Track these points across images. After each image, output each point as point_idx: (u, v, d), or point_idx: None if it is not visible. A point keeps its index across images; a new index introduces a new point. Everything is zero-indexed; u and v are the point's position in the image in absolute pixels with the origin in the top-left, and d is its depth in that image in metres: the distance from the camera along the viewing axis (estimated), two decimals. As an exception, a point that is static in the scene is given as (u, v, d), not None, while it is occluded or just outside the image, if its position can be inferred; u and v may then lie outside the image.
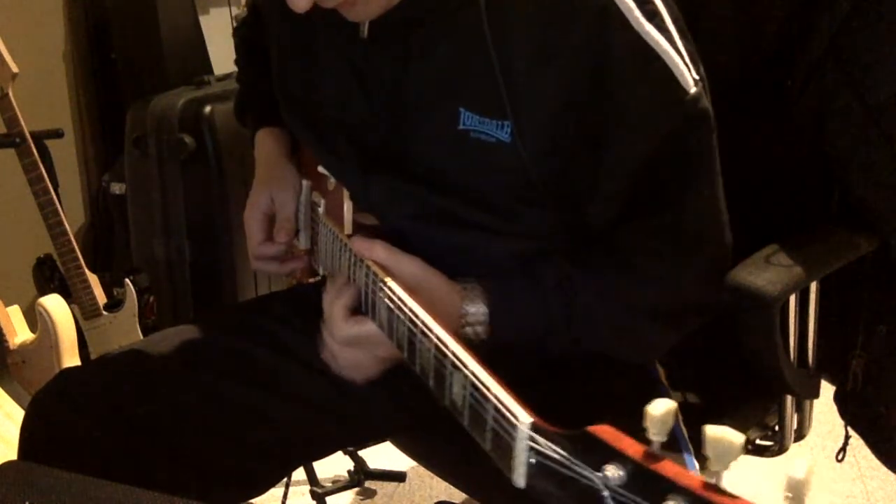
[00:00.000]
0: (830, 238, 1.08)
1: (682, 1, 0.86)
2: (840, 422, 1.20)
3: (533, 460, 0.58)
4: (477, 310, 0.87)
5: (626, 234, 0.89)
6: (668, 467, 0.48)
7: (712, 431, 0.47)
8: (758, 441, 1.20)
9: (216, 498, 0.99)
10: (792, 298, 1.07)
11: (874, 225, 1.07)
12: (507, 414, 0.61)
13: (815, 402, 1.20)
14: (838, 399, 1.19)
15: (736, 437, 0.47)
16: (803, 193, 1.15)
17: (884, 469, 1.18)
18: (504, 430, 0.61)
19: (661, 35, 0.81)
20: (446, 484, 1.18)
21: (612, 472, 0.50)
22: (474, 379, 0.67)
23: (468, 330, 0.87)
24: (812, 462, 0.45)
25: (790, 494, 0.44)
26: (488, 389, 0.64)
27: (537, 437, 0.58)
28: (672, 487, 0.47)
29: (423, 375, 0.77)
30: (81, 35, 2.47)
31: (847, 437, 1.20)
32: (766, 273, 0.94)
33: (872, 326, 1.12)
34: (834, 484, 1.90)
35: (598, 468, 0.51)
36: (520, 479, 0.59)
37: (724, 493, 0.46)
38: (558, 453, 0.55)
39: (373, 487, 1.99)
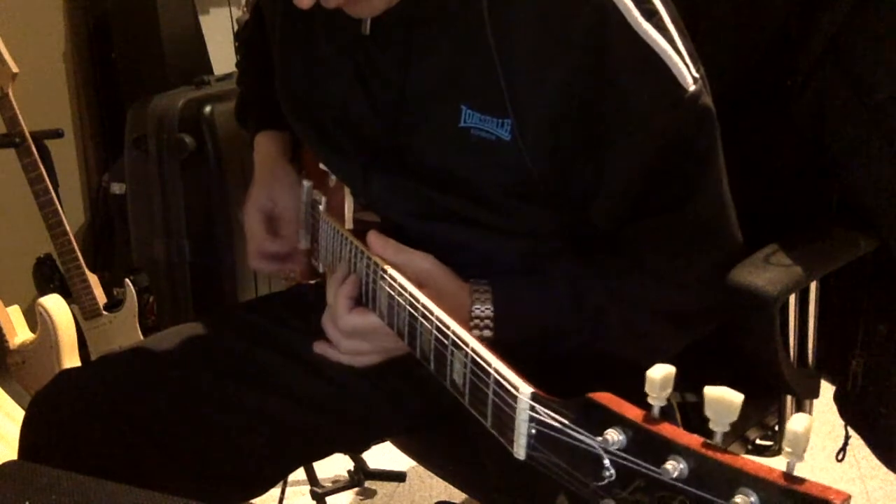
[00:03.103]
0: (830, 238, 1.08)
1: (681, 1, 0.86)
2: (840, 422, 1.20)
3: (534, 430, 0.58)
4: (483, 311, 0.87)
5: (634, 233, 0.89)
6: (667, 429, 0.49)
7: (711, 391, 0.48)
8: (758, 441, 1.20)
9: (216, 498, 0.99)
10: (792, 298, 1.07)
11: (874, 225, 1.07)
12: (508, 386, 0.62)
13: (815, 402, 1.19)
14: (838, 399, 1.19)
15: (735, 397, 0.47)
16: (803, 193, 1.15)
17: (884, 469, 1.18)
18: (505, 403, 0.62)
19: (660, 34, 0.81)
20: (446, 484, 1.18)
21: (612, 436, 0.51)
22: (475, 356, 0.67)
23: (475, 332, 0.87)
24: (812, 417, 0.45)
25: (790, 449, 0.44)
26: (489, 364, 0.65)
27: (538, 406, 0.58)
28: (672, 448, 0.48)
29: (424, 359, 0.78)
30: (81, 35, 2.47)
31: (847, 437, 1.20)
32: (765, 273, 0.94)
33: (872, 326, 1.12)
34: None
35: (599, 434, 0.51)
36: (521, 450, 0.60)
37: (723, 450, 0.46)
38: (558, 421, 0.55)
39: (373, 487, 1.99)
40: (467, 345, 0.69)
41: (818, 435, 1.94)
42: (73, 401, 0.98)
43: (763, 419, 1.20)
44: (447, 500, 1.37)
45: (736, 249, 0.93)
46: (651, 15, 0.81)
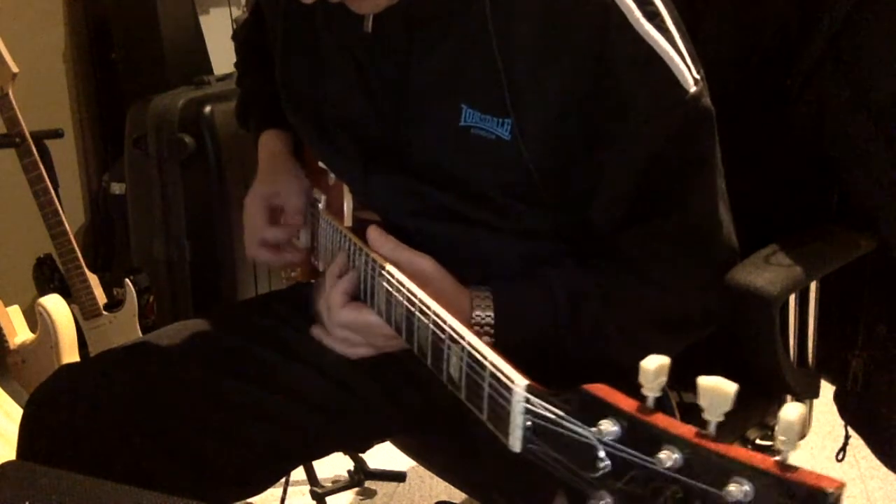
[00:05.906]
0: (830, 238, 1.08)
1: (682, 1, 0.86)
2: (840, 422, 1.20)
3: (529, 422, 0.58)
4: (484, 317, 0.87)
5: (630, 238, 0.89)
6: (661, 420, 0.49)
7: (705, 381, 0.48)
8: (758, 441, 1.20)
9: (215, 496, 0.99)
10: (792, 298, 1.07)
11: (874, 225, 1.07)
12: (503, 378, 0.62)
13: (815, 402, 1.19)
14: (838, 399, 1.19)
15: (729, 386, 0.47)
16: (803, 193, 1.15)
17: (884, 469, 1.18)
18: (500, 395, 0.62)
19: (662, 35, 0.81)
20: (446, 484, 1.18)
21: (607, 427, 0.51)
22: (471, 349, 0.68)
23: None
24: (804, 406, 0.45)
25: (783, 437, 0.44)
26: (485, 357, 0.66)
27: (533, 398, 0.58)
28: (666, 438, 0.48)
29: (422, 354, 0.78)
30: (81, 35, 2.47)
31: (847, 437, 1.20)
32: (765, 273, 0.94)
33: (872, 326, 1.12)
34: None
35: (593, 425, 0.51)
36: (517, 442, 0.60)
37: (717, 439, 0.46)
38: (553, 413, 0.56)
39: (373, 487, 1.99)
40: (463, 338, 0.69)
41: (818, 435, 1.94)
42: (72, 396, 0.98)
43: (763, 419, 1.20)
44: (447, 500, 1.37)
45: (732, 254, 0.93)
46: (653, 16, 0.81)
